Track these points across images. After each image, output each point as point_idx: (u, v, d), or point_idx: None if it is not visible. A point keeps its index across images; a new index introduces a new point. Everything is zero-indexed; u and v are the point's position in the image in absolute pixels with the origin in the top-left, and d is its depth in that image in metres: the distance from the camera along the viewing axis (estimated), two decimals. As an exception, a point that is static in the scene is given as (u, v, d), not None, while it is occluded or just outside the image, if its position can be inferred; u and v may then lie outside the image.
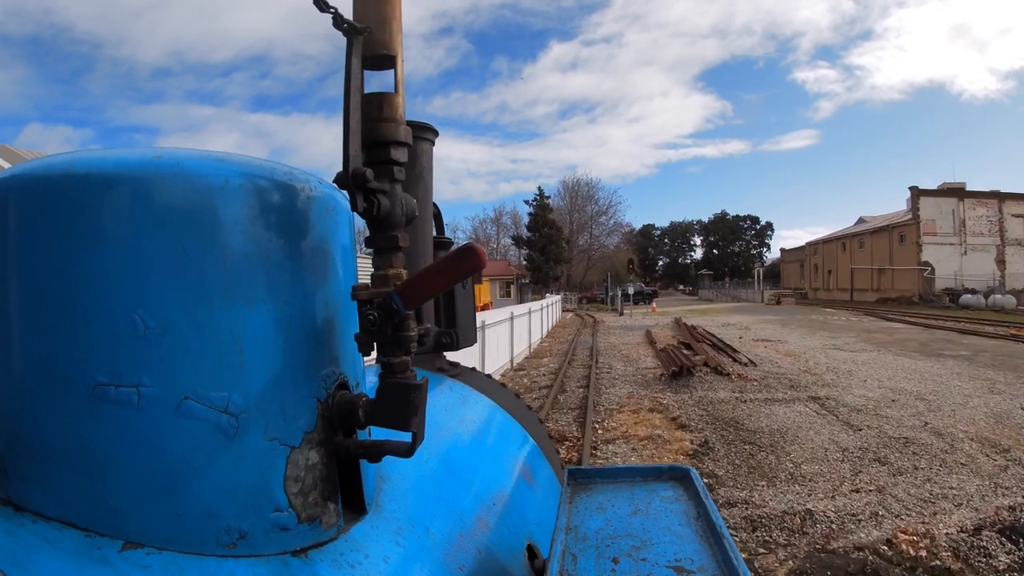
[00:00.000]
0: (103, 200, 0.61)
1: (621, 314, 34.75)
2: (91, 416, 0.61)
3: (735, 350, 14.99)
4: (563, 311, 38.31)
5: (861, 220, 57.20)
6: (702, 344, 16.01)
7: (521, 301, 33.21)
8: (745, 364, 12.75)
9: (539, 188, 54.78)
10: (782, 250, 74.89)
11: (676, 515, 0.91)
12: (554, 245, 52.07)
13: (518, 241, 57.51)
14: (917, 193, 42.63)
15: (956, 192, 42.78)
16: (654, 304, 42.96)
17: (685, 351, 14.29)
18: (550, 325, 24.91)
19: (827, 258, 56.42)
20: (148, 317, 0.61)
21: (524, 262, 53.94)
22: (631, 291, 40.30)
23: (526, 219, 55.26)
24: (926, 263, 40.99)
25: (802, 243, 69.33)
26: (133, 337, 0.61)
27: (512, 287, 49.09)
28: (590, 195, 69.82)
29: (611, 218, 70.69)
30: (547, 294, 39.57)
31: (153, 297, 0.62)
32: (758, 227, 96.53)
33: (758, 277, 57.14)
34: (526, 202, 57.22)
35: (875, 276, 45.83)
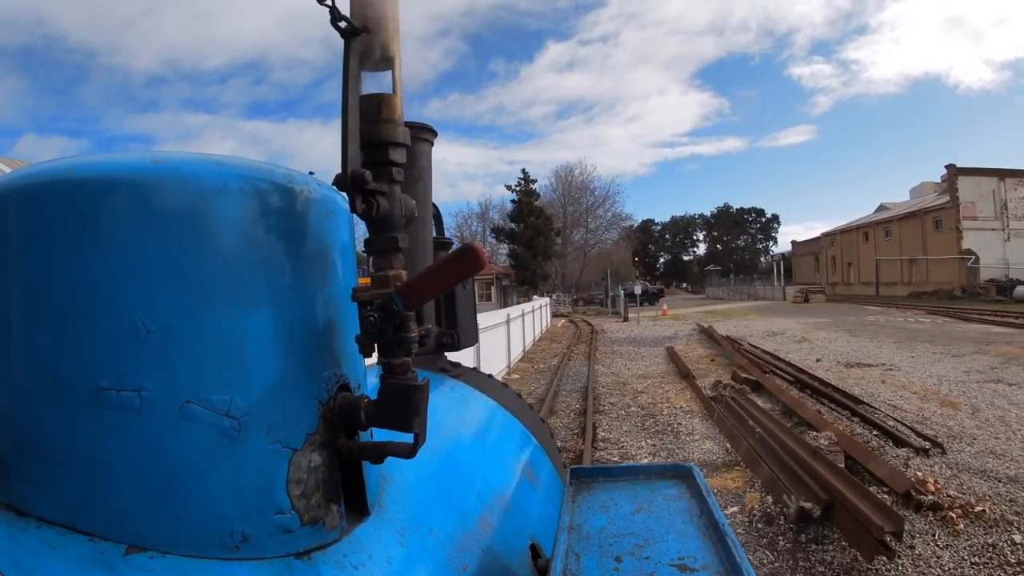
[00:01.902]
0: (103, 204, 0.69)
1: (626, 319, 31.60)
2: (94, 420, 0.69)
3: (856, 399, 8.70)
4: (554, 316, 36.32)
5: (882, 207, 57.27)
6: (771, 376, 10.52)
7: (504, 305, 32.12)
8: (927, 451, 6.44)
9: (523, 170, 51.06)
10: (793, 242, 75.76)
11: (679, 513, 1.02)
12: (542, 237, 49.11)
13: (498, 233, 53.66)
14: (954, 172, 41.81)
15: (996, 171, 42.22)
16: (664, 306, 39.76)
17: (750, 395, 9.15)
18: (530, 340, 20.48)
19: (847, 250, 56.34)
20: (149, 321, 0.69)
21: (509, 260, 52.41)
22: (637, 291, 36.55)
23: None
24: (968, 251, 40.17)
25: (802, 238, 70.51)
26: (134, 341, 0.69)
27: (493, 289, 46.61)
28: (585, 185, 68.17)
29: (609, 210, 69.86)
30: (534, 296, 37.38)
31: (154, 301, 0.70)
32: (763, 220, 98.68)
33: (777, 270, 56.62)
34: (508, 187, 53.08)
35: (905, 267, 45.43)
